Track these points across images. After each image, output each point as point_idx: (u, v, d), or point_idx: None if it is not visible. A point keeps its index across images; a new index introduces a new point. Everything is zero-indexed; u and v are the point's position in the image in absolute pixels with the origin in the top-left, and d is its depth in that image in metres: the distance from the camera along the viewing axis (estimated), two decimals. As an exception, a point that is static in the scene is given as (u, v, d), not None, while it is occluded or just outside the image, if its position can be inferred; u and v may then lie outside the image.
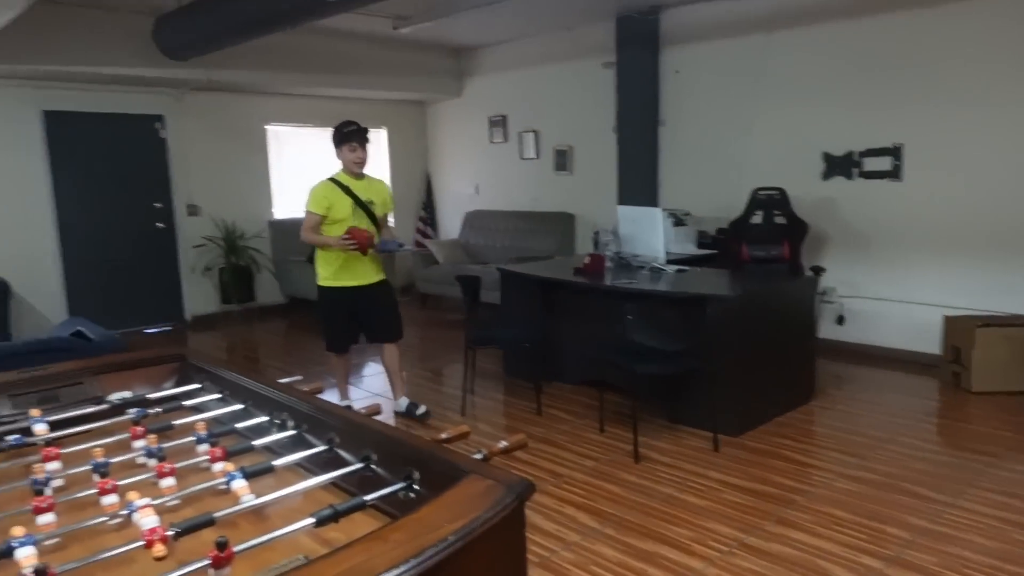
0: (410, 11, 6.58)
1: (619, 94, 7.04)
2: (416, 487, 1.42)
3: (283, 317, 7.90)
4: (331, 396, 4.62)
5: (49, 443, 1.66)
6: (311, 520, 1.26)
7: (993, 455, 3.72)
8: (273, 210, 8.15)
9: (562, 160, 7.94)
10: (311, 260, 4.37)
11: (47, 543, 1.25)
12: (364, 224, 4.15)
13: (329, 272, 4.22)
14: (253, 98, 7.84)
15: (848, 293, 5.87)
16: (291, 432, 1.73)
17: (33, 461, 1.56)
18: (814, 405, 4.57)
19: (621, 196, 7.05)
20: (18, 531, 1.17)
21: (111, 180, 7.02)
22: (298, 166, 8.40)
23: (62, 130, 6.67)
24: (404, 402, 4.53)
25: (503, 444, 1.63)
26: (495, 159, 8.60)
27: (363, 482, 1.49)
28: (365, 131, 4.16)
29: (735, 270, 5.46)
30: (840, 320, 5.91)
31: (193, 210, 7.48)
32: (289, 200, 8.30)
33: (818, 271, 5.45)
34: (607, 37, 7.00)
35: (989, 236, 5.15)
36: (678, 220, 6.22)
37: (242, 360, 6.46)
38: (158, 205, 7.34)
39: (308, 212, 4.17)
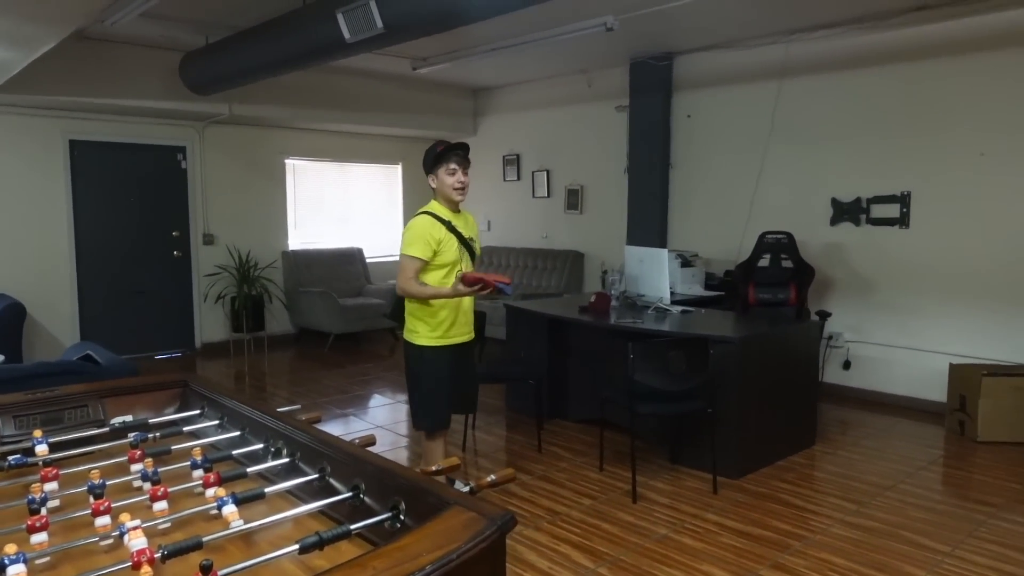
0: (429, 52, 6.76)
1: (631, 136, 7.17)
2: (403, 517, 1.46)
3: (292, 347, 7.97)
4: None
5: (48, 464, 1.71)
6: (296, 547, 1.30)
7: (994, 505, 3.68)
8: (288, 241, 8.28)
9: (574, 199, 8.04)
10: (395, 315, 3.50)
11: (39, 561, 1.29)
12: (468, 268, 3.34)
13: (438, 328, 3.28)
14: (273, 132, 8.04)
15: (855, 338, 5.86)
16: (285, 460, 1.77)
17: (32, 481, 1.61)
18: (816, 450, 4.55)
19: (630, 236, 7.13)
20: (11, 549, 1.21)
21: (131, 208, 7.19)
22: (315, 199, 8.59)
23: (85, 158, 6.86)
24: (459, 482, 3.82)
25: (491, 478, 1.66)
26: (508, 197, 8.72)
27: (352, 511, 1.53)
28: (466, 148, 3.29)
29: (741, 312, 5.48)
30: (846, 365, 5.90)
31: (209, 239, 7.62)
32: (304, 232, 8.46)
33: (824, 316, 5.46)
34: (621, 81, 7.15)
35: (996, 284, 5.15)
36: (686, 261, 6.27)
37: (248, 388, 6.52)
38: (176, 233, 7.49)
39: (408, 257, 3.20)
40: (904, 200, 5.59)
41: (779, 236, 5.81)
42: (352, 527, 1.38)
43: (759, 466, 4.17)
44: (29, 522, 1.35)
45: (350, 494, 1.56)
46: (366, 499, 1.55)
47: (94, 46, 6.09)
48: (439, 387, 3.32)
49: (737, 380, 4.03)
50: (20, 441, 1.85)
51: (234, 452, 1.84)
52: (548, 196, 8.28)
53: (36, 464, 1.73)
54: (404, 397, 6.00)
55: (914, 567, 3.04)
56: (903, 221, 5.61)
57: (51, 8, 3.92)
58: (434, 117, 8.61)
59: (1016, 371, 4.83)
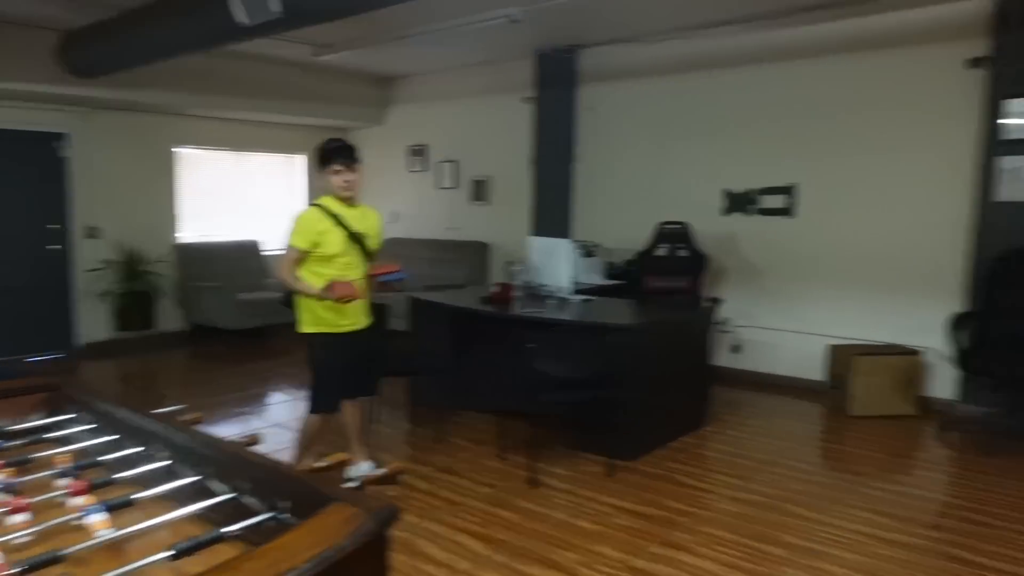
0: (331, 39, 6.59)
1: (537, 128, 7.24)
2: (284, 516, 1.44)
3: (185, 345, 7.64)
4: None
5: None
6: (169, 552, 1.26)
7: (864, 474, 3.99)
8: (179, 234, 7.91)
9: (480, 190, 8.06)
10: (287, 303, 3.65)
11: None
12: (356, 261, 3.52)
13: (316, 316, 3.50)
14: (164, 119, 7.64)
15: (744, 323, 6.17)
16: (164, 463, 1.71)
17: None
18: (707, 430, 4.78)
19: (536, 227, 7.22)
20: None
21: (1, 199, 6.67)
22: (210, 190, 8.23)
23: (-52, 146, 6.33)
24: (367, 466, 3.74)
25: (379, 472, 1.67)
26: (414, 187, 8.65)
27: (233, 513, 1.50)
28: (351, 149, 3.46)
29: (639, 301, 5.66)
30: (736, 349, 6.20)
31: (92, 232, 7.18)
32: (198, 224, 8.11)
33: (715, 302, 5.71)
34: (528, 73, 7.20)
35: (873, 271, 5.54)
36: (588, 251, 6.40)
37: (136, 391, 6.22)
38: (54, 226, 7.02)
39: (289, 246, 3.45)
40: (790, 192, 5.91)
41: (675, 226, 6.03)
42: (225, 529, 1.36)
43: (653, 448, 4.34)
44: None
45: (230, 495, 1.53)
46: (249, 499, 1.52)
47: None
48: (329, 374, 3.55)
49: (632, 365, 4.17)
50: None
51: (102, 458, 1.76)
52: (455, 187, 8.27)
53: None
54: (304, 393, 5.88)
55: (792, 536, 3.25)
56: (789, 211, 5.94)
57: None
58: (339, 106, 8.40)
59: (887, 351, 5.22)
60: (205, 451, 1.68)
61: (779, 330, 6.01)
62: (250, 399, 5.67)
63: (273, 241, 8.64)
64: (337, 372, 3.54)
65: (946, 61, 5.06)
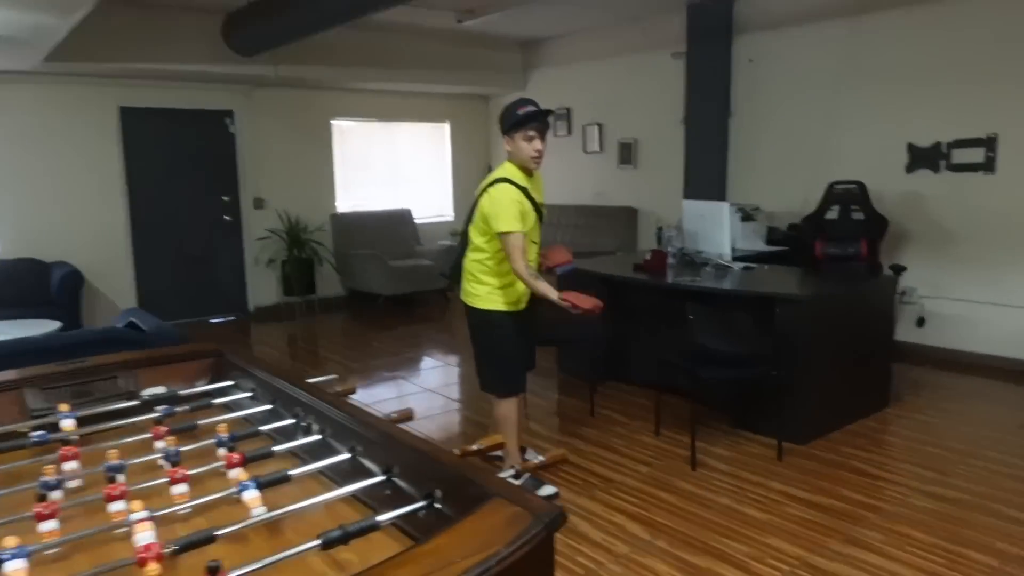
0: (474, 3, 6.48)
1: (688, 85, 6.79)
2: (439, 506, 1.31)
3: (343, 310, 7.97)
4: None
5: (67, 442, 1.62)
6: (317, 542, 1.17)
7: (1095, 476, 3.37)
8: (336, 204, 8.22)
9: (627, 154, 7.72)
10: (451, 276, 3.39)
11: (47, 552, 1.19)
12: (537, 237, 3.23)
13: (511, 294, 3.20)
14: (319, 94, 7.92)
15: (930, 293, 5.48)
16: (316, 437, 1.65)
17: (49, 462, 1.52)
18: (889, 413, 4.27)
19: (688, 190, 6.81)
20: (10, 541, 1.11)
21: (182, 174, 7.21)
22: (363, 161, 8.48)
23: (137, 125, 6.88)
24: (528, 454, 3.54)
25: (539, 459, 1.51)
26: (558, 153, 8.39)
27: (385, 496, 1.40)
28: (546, 114, 3.09)
29: (808, 269, 5.16)
30: (920, 322, 5.53)
31: (259, 203, 7.61)
32: (352, 194, 8.38)
33: (898, 270, 5.10)
34: (678, 27, 6.74)
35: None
36: (747, 215, 5.93)
37: (301, 353, 6.54)
38: (226, 198, 7.51)
39: (511, 234, 2.98)
40: (990, 144, 5.12)
41: (849, 186, 5.42)
42: (379, 519, 1.24)
43: (827, 431, 3.92)
44: (37, 509, 1.26)
45: (383, 478, 1.43)
46: (400, 483, 1.41)
47: (138, 10, 6.02)
48: (515, 352, 3.25)
49: (804, 341, 3.77)
50: (47, 415, 1.78)
51: (262, 428, 1.73)
52: (600, 151, 7.97)
53: (60, 441, 1.65)
54: (455, 359, 5.92)
55: (1005, 543, 2.79)
56: (988, 166, 5.16)
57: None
58: (481, 72, 8.34)
59: (1116, 328, 4.42)
60: (356, 427, 1.59)
61: (975, 302, 5.27)
62: (404, 363, 5.78)
63: (423, 209, 8.79)
64: (520, 350, 3.29)
65: None
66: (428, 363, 5.95)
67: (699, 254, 4.92)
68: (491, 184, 3.13)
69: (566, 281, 3.56)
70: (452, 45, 7.80)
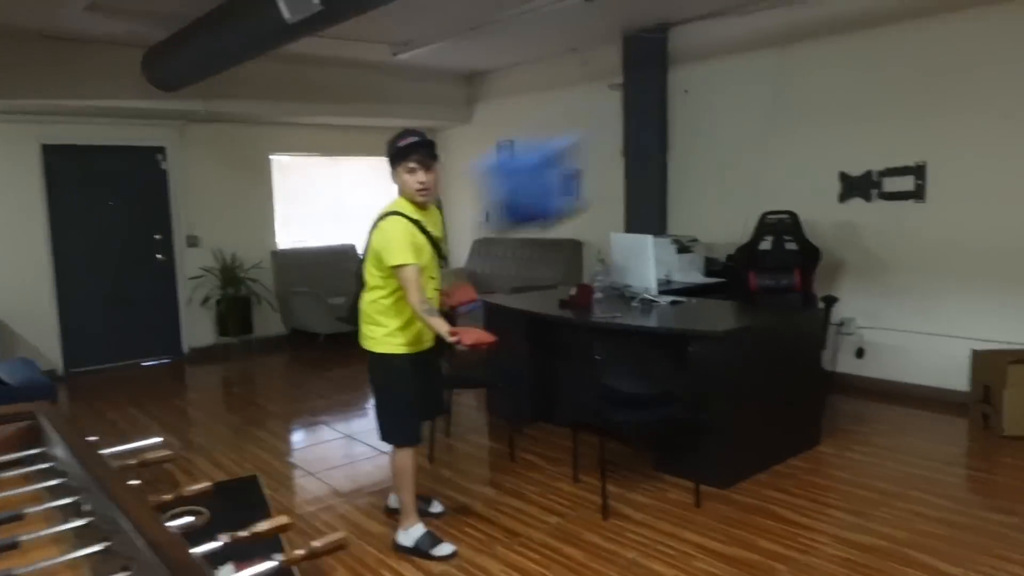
0: (408, 36, 6.40)
1: (626, 116, 6.73)
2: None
3: (282, 350, 7.71)
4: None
5: None
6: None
7: (1016, 513, 3.23)
8: (277, 240, 8.02)
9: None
10: (350, 319, 3.20)
11: None
12: (435, 272, 3.09)
13: (407, 334, 3.01)
14: (256, 128, 7.75)
15: (868, 324, 5.39)
16: (83, 521, 1.45)
17: None
18: (821, 451, 4.13)
19: (629, 222, 6.71)
20: None
21: (111, 212, 6.97)
22: (304, 196, 8.30)
23: (61, 163, 6.65)
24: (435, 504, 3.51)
25: (314, 545, 1.32)
26: (503, 185, 8.33)
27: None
28: (429, 145, 2.97)
29: (740, 301, 5.05)
30: (859, 353, 5.43)
31: (193, 241, 7.39)
32: (295, 230, 8.19)
33: (830, 301, 5.01)
34: (615, 58, 6.71)
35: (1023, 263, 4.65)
36: (683, 247, 5.85)
37: (234, 396, 6.28)
38: (158, 236, 7.27)
39: (406, 267, 2.83)
40: (919, 172, 5.09)
41: (781, 216, 5.35)
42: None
43: (752, 473, 3.76)
44: None
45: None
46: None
47: (59, 46, 5.85)
48: (414, 399, 3.07)
49: (722, 378, 3.62)
50: None
51: (30, 510, 1.52)
52: (545, 183, 7.88)
53: None
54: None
55: (918, 596, 2.63)
56: (919, 194, 5.12)
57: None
58: (426, 106, 8.25)
59: (1046, 357, 4.34)
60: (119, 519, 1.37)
61: (911, 332, 5.19)
62: (331, 407, 5.53)
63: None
64: (421, 396, 3.10)
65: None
66: (356, 408, 5.71)
67: (627, 288, 4.79)
68: (381, 218, 3.00)
69: (469, 319, 3.40)
70: (394, 78, 7.71)
